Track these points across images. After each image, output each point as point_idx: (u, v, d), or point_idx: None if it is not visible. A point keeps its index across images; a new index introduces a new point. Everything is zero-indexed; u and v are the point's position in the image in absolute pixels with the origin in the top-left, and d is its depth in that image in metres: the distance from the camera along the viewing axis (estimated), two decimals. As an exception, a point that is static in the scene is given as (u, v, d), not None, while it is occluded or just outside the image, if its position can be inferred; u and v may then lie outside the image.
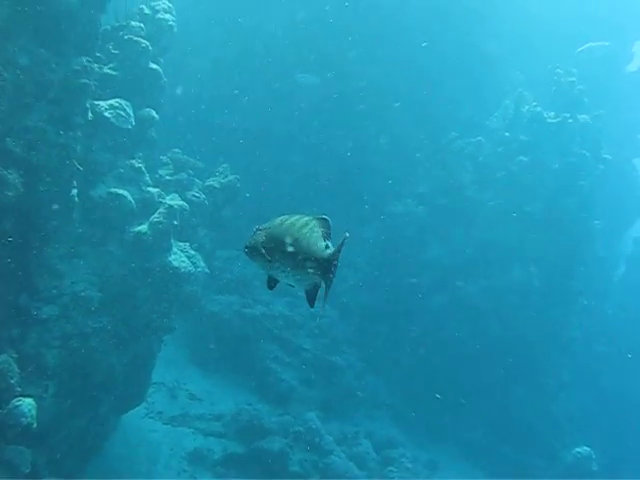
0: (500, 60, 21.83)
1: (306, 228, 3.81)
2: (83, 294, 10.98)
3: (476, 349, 18.47)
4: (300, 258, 3.77)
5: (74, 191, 10.69)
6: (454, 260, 18.94)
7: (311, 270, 3.80)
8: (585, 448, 17.30)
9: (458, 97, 20.46)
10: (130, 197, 11.64)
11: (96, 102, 11.45)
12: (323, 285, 3.85)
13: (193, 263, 12.52)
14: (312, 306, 3.94)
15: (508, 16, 22.11)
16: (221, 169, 14.29)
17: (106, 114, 11.51)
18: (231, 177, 14.12)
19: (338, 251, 3.72)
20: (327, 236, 3.81)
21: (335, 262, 3.74)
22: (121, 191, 11.56)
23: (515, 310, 18.38)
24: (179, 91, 18.51)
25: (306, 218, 3.87)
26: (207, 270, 13.03)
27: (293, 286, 4.04)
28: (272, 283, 4.14)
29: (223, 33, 20.77)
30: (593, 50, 20.94)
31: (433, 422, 18.33)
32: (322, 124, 20.26)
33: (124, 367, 11.91)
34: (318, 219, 3.85)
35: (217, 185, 13.98)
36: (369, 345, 18.83)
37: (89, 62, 10.35)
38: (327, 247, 3.79)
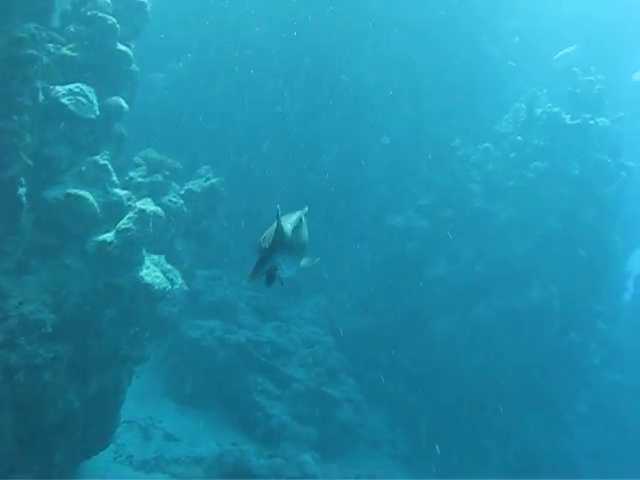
0: (503, 64, 20.32)
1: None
2: (33, 317, 8.99)
3: (487, 378, 16.62)
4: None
5: (22, 190, 8.78)
6: (462, 279, 17.13)
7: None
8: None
9: (460, 103, 18.87)
10: (93, 199, 9.73)
11: (52, 86, 9.58)
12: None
13: (169, 279, 10.63)
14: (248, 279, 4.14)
15: (510, 18, 20.67)
16: (202, 171, 12.41)
17: (64, 100, 9.66)
18: (214, 180, 12.23)
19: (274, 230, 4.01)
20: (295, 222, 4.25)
21: (265, 243, 3.98)
22: (82, 192, 9.65)
23: (532, 335, 16.51)
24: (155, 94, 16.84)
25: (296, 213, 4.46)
26: (186, 287, 11.08)
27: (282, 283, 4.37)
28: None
29: (203, 33, 19.11)
30: (569, 56, 19.23)
31: (441, 461, 16.31)
32: (312, 131, 18.51)
33: (85, 405, 9.94)
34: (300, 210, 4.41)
35: (198, 189, 12.08)
36: (368, 375, 16.92)
37: (38, 30, 8.42)
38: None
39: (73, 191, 9.60)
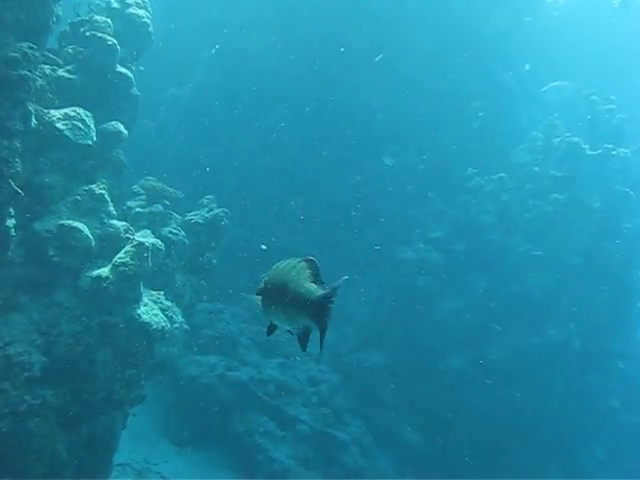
0: (516, 91, 19.79)
1: (294, 270, 3.77)
2: (20, 359, 8.33)
3: (501, 420, 15.80)
4: (289, 301, 3.70)
5: (10, 222, 8.11)
6: (476, 316, 16.34)
7: (300, 312, 3.69)
8: None
9: (472, 130, 18.27)
10: (87, 231, 9.06)
11: (46, 110, 8.94)
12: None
13: (169, 317, 9.95)
14: (304, 350, 3.77)
15: (524, 47, 20.13)
16: (205, 201, 11.75)
17: (59, 125, 9.03)
18: (217, 210, 11.57)
19: (332, 293, 3.56)
20: (316, 277, 3.71)
21: (328, 304, 3.57)
22: (76, 223, 8.99)
23: (549, 375, 15.71)
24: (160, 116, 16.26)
25: (295, 261, 3.88)
26: (186, 326, 10.36)
27: (292, 333, 3.93)
28: (271, 330, 4.11)
29: (208, 58, 18.64)
30: (560, 89, 18.82)
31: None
32: (318, 157, 17.90)
33: (74, 454, 9.18)
34: (305, 261, 3.82)
35: (200, 220, 11.42)
36: (376, 415, 16.09)
37: (32, 49, 7.78)
38: (320, 288, 3.70)
39: (67, 222, 8.96)
